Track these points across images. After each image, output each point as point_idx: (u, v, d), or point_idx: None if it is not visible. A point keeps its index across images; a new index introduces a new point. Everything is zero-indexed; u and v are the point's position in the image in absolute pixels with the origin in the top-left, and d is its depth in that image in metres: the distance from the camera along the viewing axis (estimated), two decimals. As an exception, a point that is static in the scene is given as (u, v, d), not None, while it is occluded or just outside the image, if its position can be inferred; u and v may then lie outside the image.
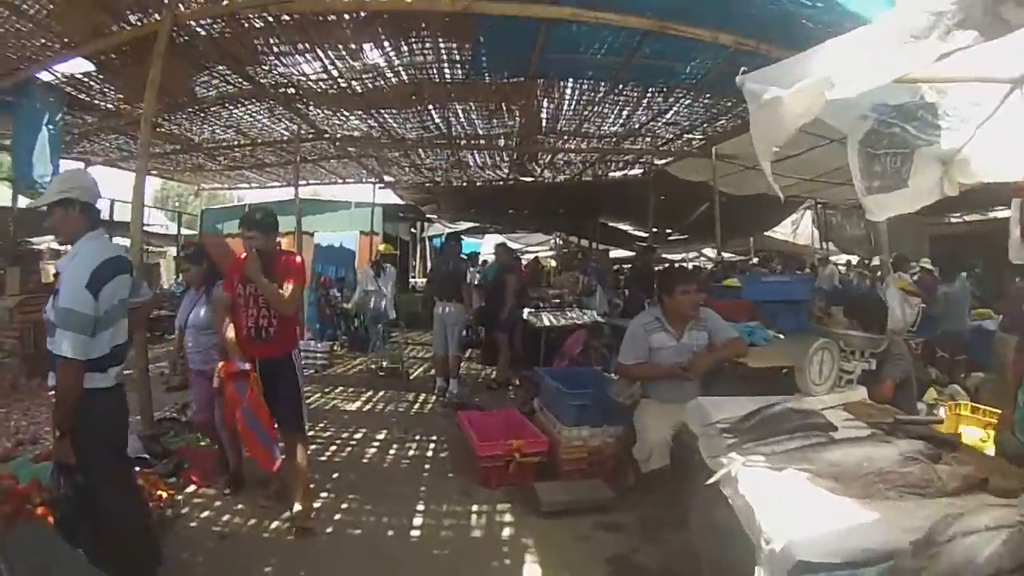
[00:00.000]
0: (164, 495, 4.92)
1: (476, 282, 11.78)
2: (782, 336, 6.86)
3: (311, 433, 7.15)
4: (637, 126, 11.53)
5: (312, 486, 5.39)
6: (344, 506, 5.40)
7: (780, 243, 22.20)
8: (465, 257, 11.05)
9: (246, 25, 7.63)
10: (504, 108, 10.56)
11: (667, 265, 13.49)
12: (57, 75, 9.21)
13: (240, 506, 5.27)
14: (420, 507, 5.34)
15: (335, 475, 6.12)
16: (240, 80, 9.57)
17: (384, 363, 11.52)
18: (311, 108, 11.08)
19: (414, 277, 24.15)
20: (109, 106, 10.63)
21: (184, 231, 22.94)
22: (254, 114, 11.51)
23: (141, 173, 7.34)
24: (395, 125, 11.82)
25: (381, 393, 9.78)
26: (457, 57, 8.40)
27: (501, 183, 17.90)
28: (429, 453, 6.86)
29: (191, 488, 5.58)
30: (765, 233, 21.48)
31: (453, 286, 9.44)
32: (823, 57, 2.93)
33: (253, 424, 4.60)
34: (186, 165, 16.63)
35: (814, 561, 2.03)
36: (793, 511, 2.34)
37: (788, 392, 3.89)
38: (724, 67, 7.90)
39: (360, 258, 17.79)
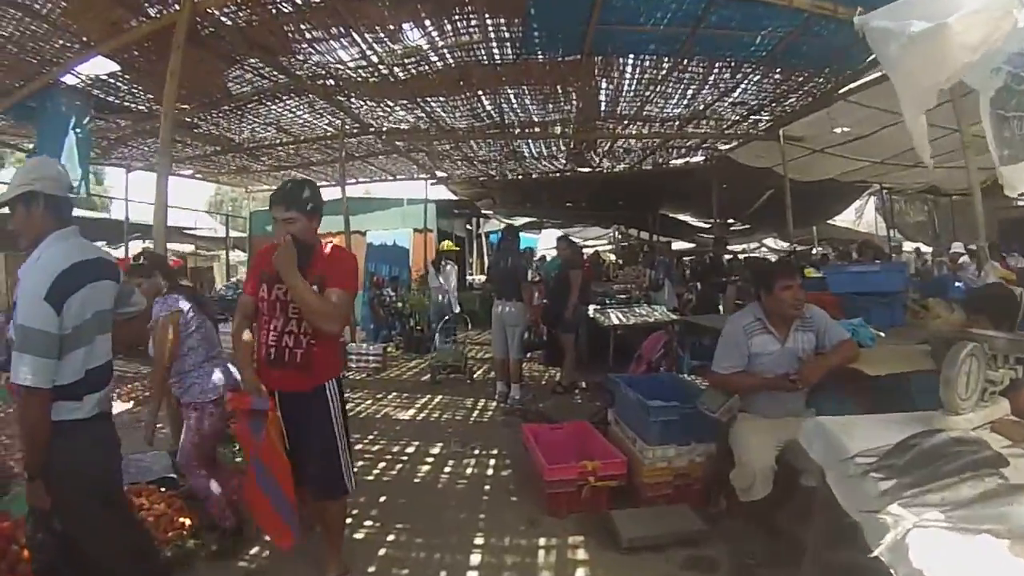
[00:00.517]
0: (187, 522, 4.30)
1: (536, 279, 11.17)
2: (882, 335, 6.02)
3: (359, 446, 6.70)
4: (702, 107, 10.72)
5: (355, 511, 4.85)
6: (391, 538, 4.65)
7: (843, 231, 21.55)
8: (523, 252, 10.42)
9: (273, 11, 7.17)
10: (559, 91, 9.85)
11: (757, 258, 12.57)
12: (81, 78, 8.92)
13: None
14: (479, 540, 4.61)
15: (382, 499, 5.40)
16: (274, 73, 9.14)
17: (448, 360, 10.84)
18: (353, 100, 10.56)
19: (471, 274, 23.56)
20: (141, 108, 10.36)
21: (236, 234, 22.85)
22: (294, 110, 11.07)
23: (162, 171, 6.88)
24: (443, 115, 11.19)
25: (438, 399, 9.16)
26: (506, 34, 7.75)
27: (558, 174, 17.19)
28: (489, 471, 6.12)
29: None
30: (828, 222, 20.57)
31: (512, 284, 8.71)
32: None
33: (266, 483, 3.57)
34: (229, 167, 16.36)
35: None
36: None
37: (911, 406, 3.20)
38: (796, 36, 7.39)
39: (414, 256, 17.40)
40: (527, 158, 15.38)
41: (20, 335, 2.68)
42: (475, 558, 4.36)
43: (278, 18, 7.31)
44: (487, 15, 7.24)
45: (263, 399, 3.50)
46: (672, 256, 17.76)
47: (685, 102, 10.43)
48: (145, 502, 4.45)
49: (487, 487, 5.66)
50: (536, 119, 11.48)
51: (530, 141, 13.59)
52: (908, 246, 21.26)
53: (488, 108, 10.75)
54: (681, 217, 22.68)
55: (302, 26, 7.57)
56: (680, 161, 15.73)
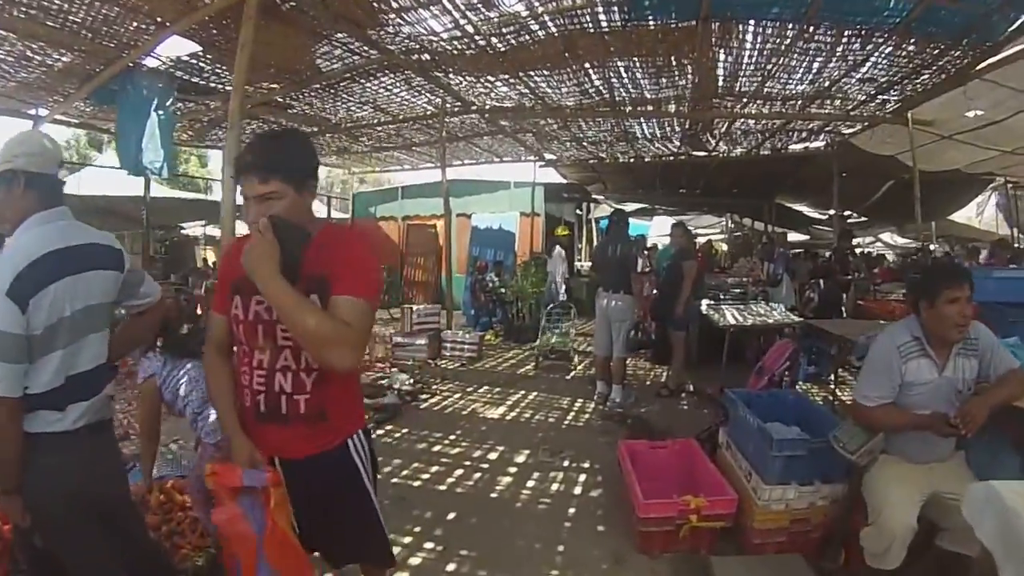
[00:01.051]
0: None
1: (647, 269, 10.32)
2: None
3: (437, 447, 6.26)
4: (827, 84, 9.70)
5: (418, 529, 4.32)
6: (451, 568, 3.96)
7: (962, 228, 20.30)
8: (633, 239, 9.41)
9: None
10: (673, 63, 9.00)
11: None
12: (163, 60, 8.87)
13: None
14: (554, 576, 3.90)
15: (450, 515, 4.73)
16: (364, 48, 8.81)
17: (553, 342, 10.45)
18: (451, 76, 10.10)
19: (579, 260, 22.81)
20: (228, 88, 9.92)
21: (339, 214, 22.84)
22: (390, 87, 10.76)
23: (231, 148, 6.39)
24: (549, 91, 10.50)
25: (532, 396, 8.44)
26: (613, -3, 6.94)
27: (671, 158, 16.22)
28: (577, 489, 5.35)
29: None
30: (948, 218, 19.21)
31: (620, 274, 7.85)
32: None
33: None
34: (329, 148, 16.20)
35: None
36: None
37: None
38: (934, 0, 6.46)
39: (520, 241, 16.97)
40: (639, 139, 14.45)
41: None
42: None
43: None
44: (592, -26, 6.50)
45: (259, 471, 2.27)
46: (790, 248, 16.42)
47: (809, 77, 9.44)
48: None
49: (572, 510, 4.87)
50: (648, 96, 10.61)
51: (642, 120, 12.72)
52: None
53: (596, 83, 9.99)
54: (797, 207, 21.75)
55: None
56: (799, 146, 14.67)
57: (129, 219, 14.85)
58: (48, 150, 2.54)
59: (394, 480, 5.44)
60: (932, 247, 18.06)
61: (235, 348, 2.43)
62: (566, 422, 7.32)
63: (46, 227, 2.40)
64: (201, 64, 9.18)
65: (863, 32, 7.63)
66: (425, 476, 5.56)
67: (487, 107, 11.73)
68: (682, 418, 7.36)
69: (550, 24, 7.69)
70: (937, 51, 7.96)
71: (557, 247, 12.63)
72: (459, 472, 5.69)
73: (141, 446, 4.18)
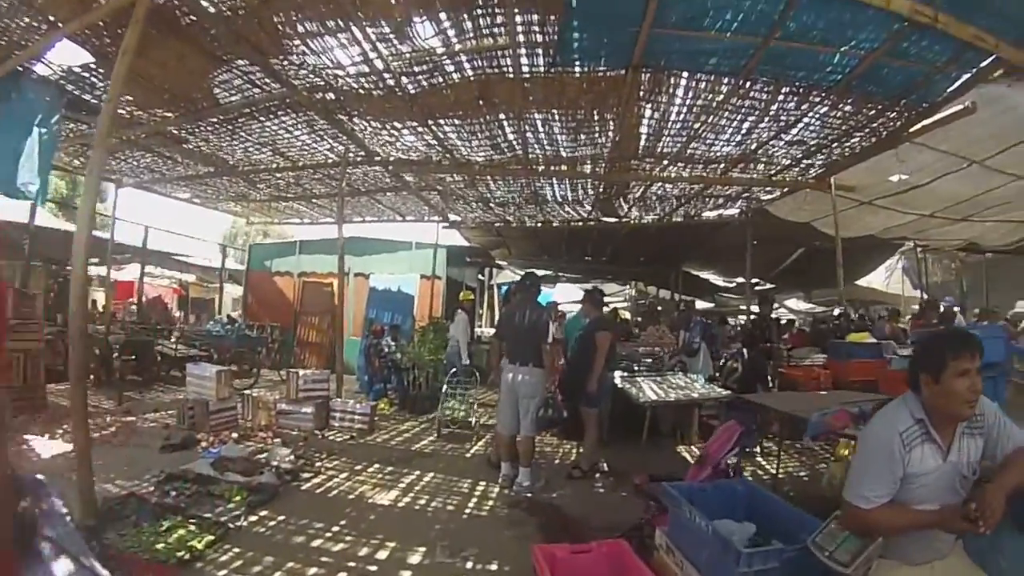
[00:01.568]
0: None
1: (558, 337, 9.51)
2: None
3: (316, 542, 5.31)
4: (754, 147, 9.36)
5: None
6: None
7: (867, 292, 21.07)
8: (544, 306, 8.41)
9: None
10: (595, 118, 8.44)
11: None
12: (53, 67, 7.94)
13: None
14: None
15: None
16: (266, 80, 8.06)
17: (454, 414, 9.87)
18: (355, 120, 9.33)
19: (480, 327, 22.14)
20: (120, 111, 9.22)
21: (236, 266, 21.89)
22: (291, 128, 9.96)
23: (94, 168, 5.92)
24: (459, 143, 9.83)
25: (428, 477, 7.44)
26: (539, 37, 6.36)
27: (580, 223, 15.78)
28: (484, 598, 4.47)
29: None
30: (856, 283, 19.39)
31: (531, 344, 7.04)
32: None
33: None
34: (227, 192, 15.22)
35: None
36: None
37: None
38: (879, 56, 6.25)
39: (420, 304, 16.21)
40: (549, 202, 13.90)
41: None
42: None
43: (267, 4, 6.18)
44: (517, 10, 5.93)
45: None
46: (705, 316, 16.10)
47: (738, 139, 9.06)
48: None
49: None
50: (564, 154, 10.04)
51: (554, 181, 12.15)
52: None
53: (510, 136, 9.37)
54: (704, 275, 22.01)
55: (293, 16, 6.38)
56: (713, 213, 14.43)
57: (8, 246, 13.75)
58: None
59: (262, 587, 4.45)
60: (836, 311, 18.49)
61: None
62: (468, 510, 6.37)
63: None
64: (93, 79, 8.30)
65: (801, 90, 7.28)
66: None
67: (391, 158, 10.99)
68: (599, 504, 6.61)
69: (467, 65, 7.05)
70: (873, 111, 7.76)
71: (460, 312, 11.85)
72: (342, 576, 4.72)
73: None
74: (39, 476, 1.74)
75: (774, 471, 7.57)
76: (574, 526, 5.77)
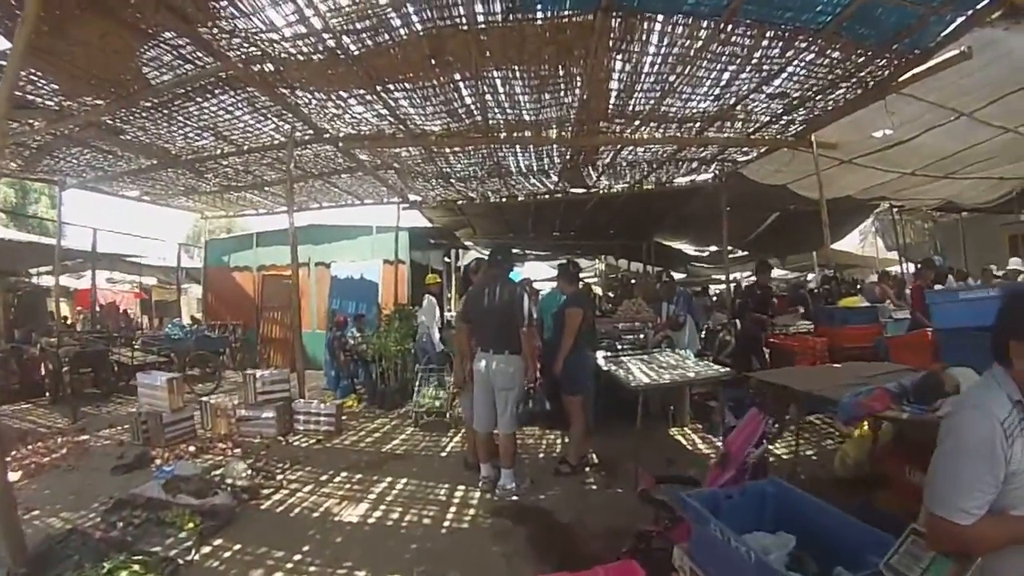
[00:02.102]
0: None
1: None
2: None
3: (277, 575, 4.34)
4: (732, 101, 8.62)
5: None
6: None
7: (842, 256, 20.42)
8: (518, 282, 7.47)
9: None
10: (561, 73, 7.61)
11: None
12: None
13: None
14: None
15: None
16: (197, 53, 7.24)
17: (428, 403, 9.58)
18: (298, 93, 8.47)
19: (449, 311, 21.51)
20: (48, 103, 8.80)
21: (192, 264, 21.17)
22: (231, 109, 9.12)
23: None
24: (411, 111, 8.94)
25: (401, 484, 6.68)
26: (494, -19, 5.51)
27: (547, 196, 14.99)
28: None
29: None
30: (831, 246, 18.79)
31: (504, 328, 6.23)
32: None
33: None
34: (176, 187, 14.31)
35: None
36: None
37: None
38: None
39: (384, 291, 15.41)
40: (513, 174, 13.08)
41: None
42: None
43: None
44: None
45: None
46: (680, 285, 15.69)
47: (716, 92, 8.28)
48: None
49: None
50: (528, 118, 9.20)
51: (518, 150, 11.32)
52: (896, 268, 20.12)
53: (468, 101, 8.51)
54: (677, 245, 21.68)
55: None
56: (686, 179, 13.70)
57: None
58: None
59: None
60: (810, 276, 18.15)
61: None
62: (447, 522, 5.61)
63: None
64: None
65: (786, 34, 6.55)
66: None
67: (341, 134, 10.12)
68: (594, 504, 5.94)
69: (414, 18, 6.19)
70: (863, 58, 7.07)
71: (428, 296, 11.10)
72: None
73: None
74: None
75: (782, 453, 7.00)
76: (568, 534, 5.14)
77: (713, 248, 21.52)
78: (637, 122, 9.45)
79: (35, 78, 7.90)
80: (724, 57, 7.18)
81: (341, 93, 8.30)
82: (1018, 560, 2.12)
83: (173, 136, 10.35)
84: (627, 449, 7.05)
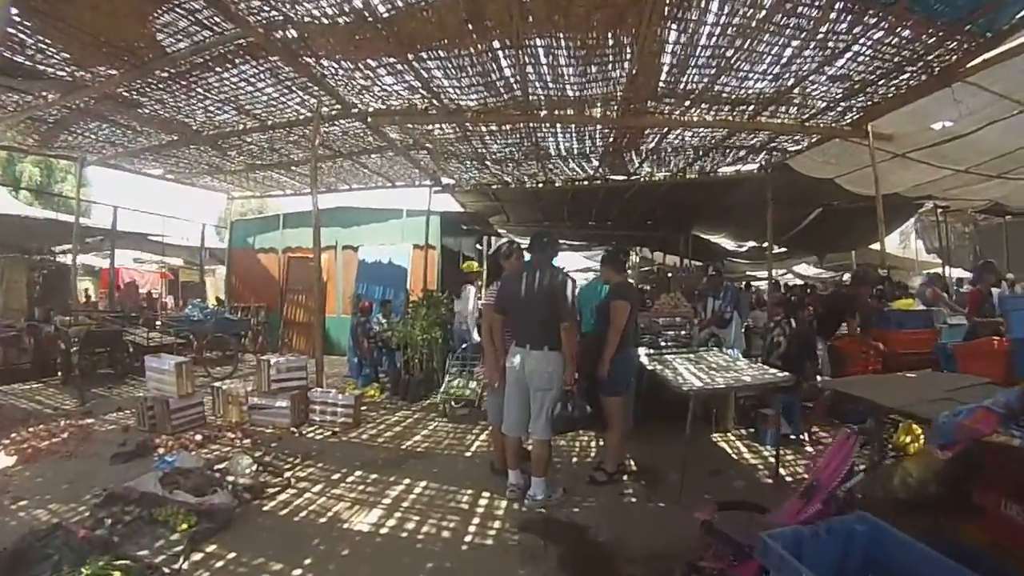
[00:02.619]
0: None
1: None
2: None
3: None
4: (791, 83, 7.92)
5: None
6: None
7: (877, 255, 19.10)
8: (562, 271, 6.16)
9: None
10: (610, 42, 6.93)
11: None
12: None
13: None
14: None
15: None
16: (215, 17, 6.75)
17: (458, 391, 9.28)
18: (324, 63, 7.91)
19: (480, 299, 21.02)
20: (60, 72, 8.36)
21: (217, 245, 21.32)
22: (253, 80, 8.58)
23: None
24: (446, 83, 8.28)
25: (421, 487, 6.07)
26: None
27: (585, 183, 14.28)
28: None
29: None
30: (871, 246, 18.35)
31: (545, 322, 5.52)
32: None
33: None
34: (199, 165, 13.85)
35: None
36: None
37: None
38: None
39: (413, 276, 14.98)
40: (552, 157, 12.36)
41: None
42: None
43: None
44: None
45: None
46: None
47: (776, 70, 7.56)
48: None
49: None
50: (572, 93, 8.51)
51: (559, 130, 10.58)
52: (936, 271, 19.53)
53: (507, 73, 7.84)
54: (714, 239, 21.18)
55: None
56: (731, 169, 13.04)
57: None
58: None
59: None
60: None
61: None
62: (469, 536, 4.98)
63: None
64: (21, 36, 7.17)
65: (856, 7, 5.93)
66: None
67: (370, 109, 9.52)
68: (634, 520, 5.32)
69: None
70: (932, 39, 6.42)
71: (468, 286, 10.67)
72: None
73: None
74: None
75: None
76: (605, 557, 4.54)
77: (751, 243, 21.14)
78: (687, 102, 8.76)
79: (44, 46, 7.51)
80: (788, 30, 6.52)
81: (369, 62, 7.71)
82: None
83: (193, 110, 9.86)
84: (668, 456, 6.53)
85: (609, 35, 6.69)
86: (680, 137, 10.77)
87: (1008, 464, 3.69)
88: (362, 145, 11.98)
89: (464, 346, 10.14)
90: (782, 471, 6.32)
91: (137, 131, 11.12)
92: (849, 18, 6.15)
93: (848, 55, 7.04)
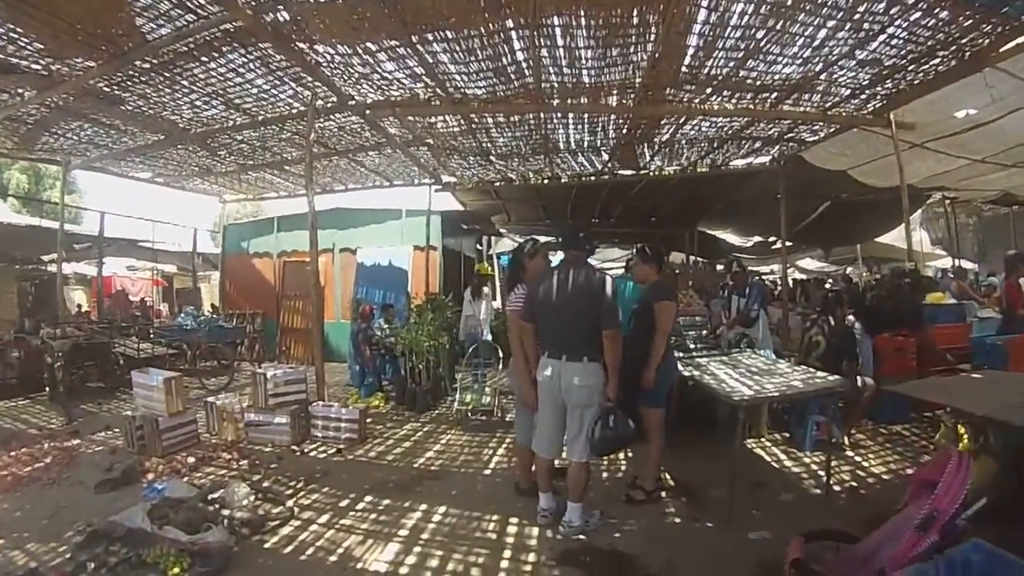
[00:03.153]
0: None
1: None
2: None
3: None
4: (819, 67, 7.56)
5: None
6: None
7: (885, 248, 20.11)
8: (599, 272, 5.35)
9: None
10: (634, 21, 6.39)
11: None
12: None
13: None
14: None
15: None
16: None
17: (478, 401, 8.90)
18: (318, 49, 7.36)
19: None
20: (35, 66, 7.86)
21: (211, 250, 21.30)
22: (241, 70, 8.03)
23: None
24: (452, 69, 7.74)
25: (440, 514, 5.43)
26: None
27: (592, 178, 13.84)
28: None
29: None
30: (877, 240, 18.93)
31: (584, 329, 4.78)
32: None
33: None
34: (188, 167, 13.35)
35: None
36: None
37: None
38: None
39: (414, 279, 14.61)
40: (560, 151, 11.85)
41: None
42: None
43: None
44: None
45: None
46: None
47: (806, 53, 7.14)
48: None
49: None
50: (588, 80, 7.98)
51: (570, 122, 10.07)
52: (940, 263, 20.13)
53: (519, 57, 7.32)
54: (720, 235, 21.19)
55: None
56: (743, 162, 12.74)
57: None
58: None
59: None
60: (849, 270, 17.26)
61: None
62: (502, 574, 4.33)
63: None
64: None
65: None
66: None
67: (368, 101, 8.95)
68: (681, 546, 4.70)
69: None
70: (969, 22, 6.26)
71: (485, 288, 10.88)
72: None
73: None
74: None
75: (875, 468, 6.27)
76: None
77: (757, 238, 21.15)
78: (709, 89, 8.32)
79: (15, 36, 7.01)
80: (824, 9, 6.13)
81: (369, 46, 7.16)
82: None
83: (179, 105, 9.33)
84: (704, 468, 6.07)
85: (635, 12, 6.13)
86: (697, 127, 10.31)
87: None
88: (359, 142, 11.47)
89: (474, 347, 9.74)
90: (825, 478, 5.76)
91: (121, 130, 10.61)
92: (885, -1, 5.76)
93: (882, 37, 6.72)
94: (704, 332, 8.65)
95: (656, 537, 4.84)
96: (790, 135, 10.74)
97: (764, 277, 22.15)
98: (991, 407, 3.90)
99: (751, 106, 8.96)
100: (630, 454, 6.61)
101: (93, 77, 8.07)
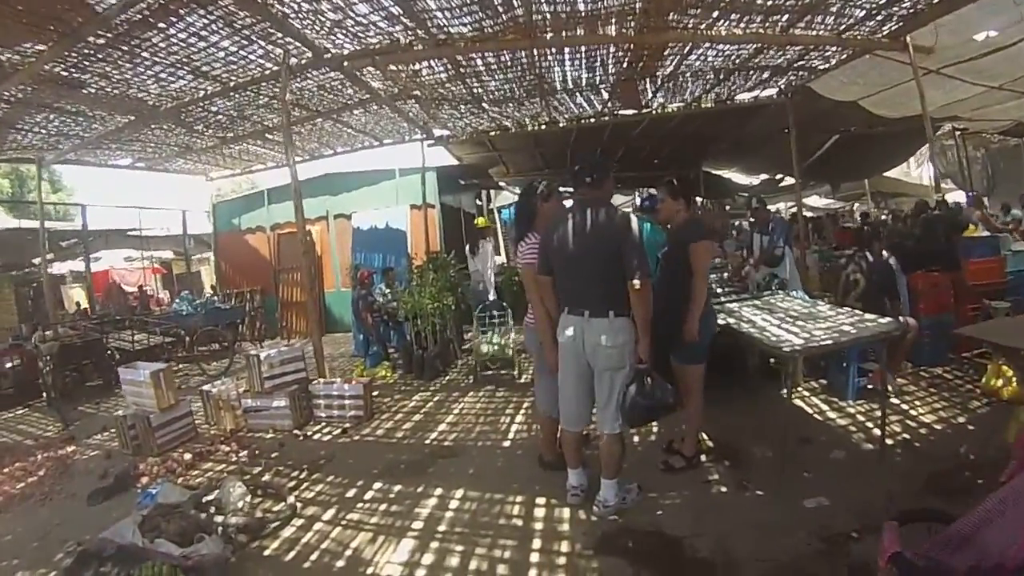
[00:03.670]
0: None
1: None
2: None
3: None
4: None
5: None
6: None
7: (893, 183, 20.15)
8: (622, 213, 4.48)
9: None
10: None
11: None
12: None
13: None
14: None
15: None
16: None
17: (492, 354, 8.69)
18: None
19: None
20: None
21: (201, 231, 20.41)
22: (203, 33, 7.40)
23: None
24: (432, 5, 7.09)
25: (458, 498, 4.90)
26: None
27: (592, 120, 13.25)
28: None
29: None
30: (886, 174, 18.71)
31: (607, 277, 4.09)
32: None
33: None
34: (167, 148, 12.83)
35: None
36: None
37: None
38: None
39: (414, 239, 14.27)
40: (557, 92, 11.21)
41: None
42: None
43: None
44: None
45: None
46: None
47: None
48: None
49: None
50: (583, 7, 7.32)
51: (566, 57, 9.37)
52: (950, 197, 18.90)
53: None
54: (726, 174, 20.85)
55: None
56: (749, 96, 12.17)
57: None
58: None
59: None
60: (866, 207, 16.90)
61: None
62: (533, 570, 3.76)
63: None
64: None
65: None
66: None
67: (345, 52, 8.29)
68: (735, 518, 4.15)
69: None
70: None
71: (484, 242, 10.83)
72: None
73: None
74: None
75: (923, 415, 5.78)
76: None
77: (764, 176, 20.79)
78: (716, 13, 7.70)
79: None
80: None
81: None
82: None
83: (143, 80, 8.73)
84: (742, 425, 5.58)
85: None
86: (702, 57, 9.69)
87: None
88: (342, 100, 10.83)
89: (481, 307, 9.52)
90: (876, 430, 5.22)
91: (89, 116, 10.10)
92: None
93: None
94: (726, 275, 8.13)
95: (703, 512, 4.27)
96: (800, 63, 10.21)
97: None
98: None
99: (760, 30, 8.35)
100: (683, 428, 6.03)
101: (47, 62, 7.53)
